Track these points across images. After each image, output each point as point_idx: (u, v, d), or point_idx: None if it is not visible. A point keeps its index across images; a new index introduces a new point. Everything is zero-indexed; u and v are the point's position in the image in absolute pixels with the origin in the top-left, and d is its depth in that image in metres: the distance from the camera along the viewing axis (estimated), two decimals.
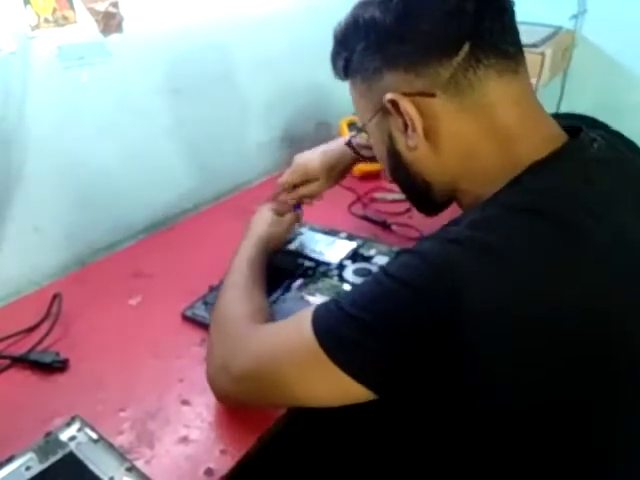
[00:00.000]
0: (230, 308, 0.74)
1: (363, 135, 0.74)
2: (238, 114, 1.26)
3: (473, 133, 0.60)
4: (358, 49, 0.64)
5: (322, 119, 1.50)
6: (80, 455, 0.63)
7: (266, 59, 1.28)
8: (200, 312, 0.85)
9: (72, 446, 0.64)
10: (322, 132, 1.50)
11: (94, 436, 0.65)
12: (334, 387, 0.58)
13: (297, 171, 0.94)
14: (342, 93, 1.64)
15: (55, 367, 0.76)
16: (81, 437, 0.65)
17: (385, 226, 1.10)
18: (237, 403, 0.71)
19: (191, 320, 0.84)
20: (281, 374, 0.62)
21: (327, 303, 0.61)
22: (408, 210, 1.16)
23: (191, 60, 1.11)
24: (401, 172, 0.68)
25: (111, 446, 0.64)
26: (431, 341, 0.52)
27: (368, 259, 0.96)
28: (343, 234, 1.04)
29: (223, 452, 0.65)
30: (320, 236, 1.03)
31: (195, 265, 0.98)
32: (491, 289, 0.51)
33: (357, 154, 0.84)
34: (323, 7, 1.39)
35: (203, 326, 0.83)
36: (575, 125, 0.62)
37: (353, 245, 1.00)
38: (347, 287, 0.89)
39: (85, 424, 0.66)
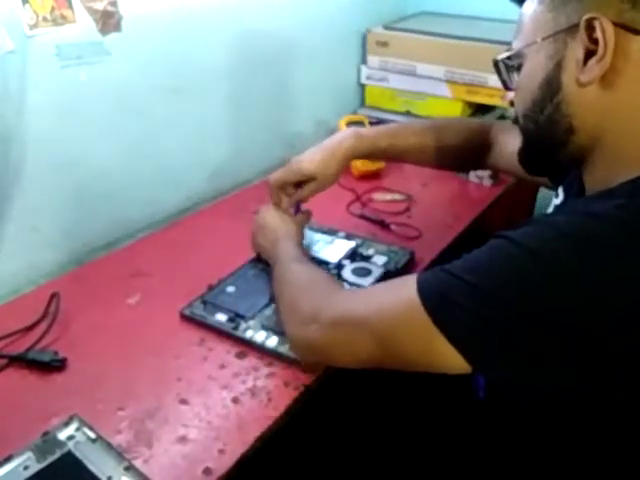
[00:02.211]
0: (305, 275, 0.74)
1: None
2: (238, 112, 1.26)
3: None
4: None
5: (322, 118, 1.50)
6: (78, 454, 0.63)
7: (266, 57, 1.28)
8: (199, 311, 0.84)
9: (70, 445, 0.64)
10: (321, 131, 1.50)
11: (92, 435, 0.65)
12: (428, 350, 0.56)
13: (291, 169, 0.92)
14: (341, 92, 1.64)
15: (53, 366, 0.76)
16: (79, 436, 0.65)
17: (384, 225, 1.10)
18: (321, 356, 0.68)
19: (189, 319, 0.84)
20: (375, 326, 0.60)
21: (433, 269, 0.58)
22: (407, 210, 1.16)
23: (191, 59, 1.11)
24: (546, 109, 0.61)
25: (109, 445, 0.64)
26: (554, 319, 0.49)
27: (367, 258, 0.96)
28: (342, 233, 1.04)
29: (221, 452, 0.65)
30: (319, 235, 1.03)
31: (194, 264, 0.98)
32: (628, 281, 0.48)
33: (500, 77, 0.70)
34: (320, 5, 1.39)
35: (202, 325, 0.83)
36: None
37: (352, 244, 1.00)
38: (346, 286, 0.89)
39: (83, 423, 0.66)
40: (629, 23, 0.54)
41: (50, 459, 0.62)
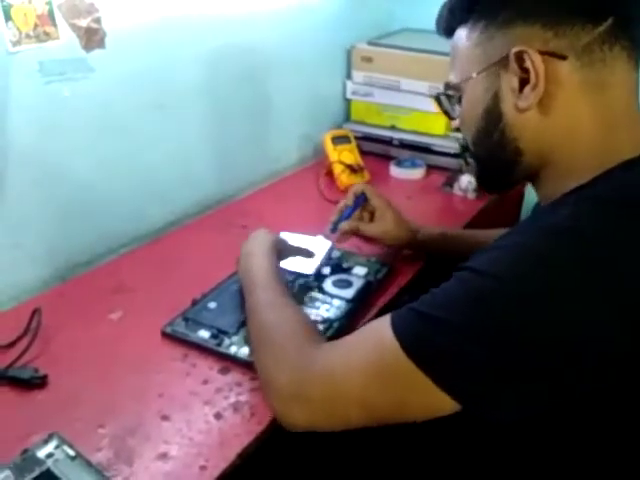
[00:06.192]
0: (280, 331, 0.70)
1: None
2: (223, 127, 1.26)
3: (586, 110, 0.59)
4: None
5: (307, 132, 1.51)
6: (57, 472, 0.62)
7: (251, 73, 1.29)
8: (180, 329, 0.83)
9: (49, 463, 0.63)
10: (307, 146, 1.51)
11: (72, 453, 0.64)
12: (422, 398, 0.55)
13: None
14: (326, 107, 1.65)
15: (34, 383, 0.75)
16: (58, 454, 0.64)
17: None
18: (306, 430, 0.65)
19: (170, 337, 0.84)
20: (363, 390, 0.59)
21: (404, 309, 0.58)
22: None
23: (175, 75, 1.12)
24: (493, 136, 0.64)
25: (89, 463, 0.63)
26: (532, 338, 0.50)
27: (347, 270, 0.97)
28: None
29: (203, 468, 0.65)
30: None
31: (178, 279, 0.98)
32: (592, 288, 0.50)
33: (442, 109, 0.77)
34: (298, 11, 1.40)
35: (183, 342, 0.82)
36: None
37: (329, 244, 0.97)
38: (327, 298, 0.89)
39: (63, 441, 0.66)
40: (555, 50, 0.57)
41: (29, 477, 0.61)
